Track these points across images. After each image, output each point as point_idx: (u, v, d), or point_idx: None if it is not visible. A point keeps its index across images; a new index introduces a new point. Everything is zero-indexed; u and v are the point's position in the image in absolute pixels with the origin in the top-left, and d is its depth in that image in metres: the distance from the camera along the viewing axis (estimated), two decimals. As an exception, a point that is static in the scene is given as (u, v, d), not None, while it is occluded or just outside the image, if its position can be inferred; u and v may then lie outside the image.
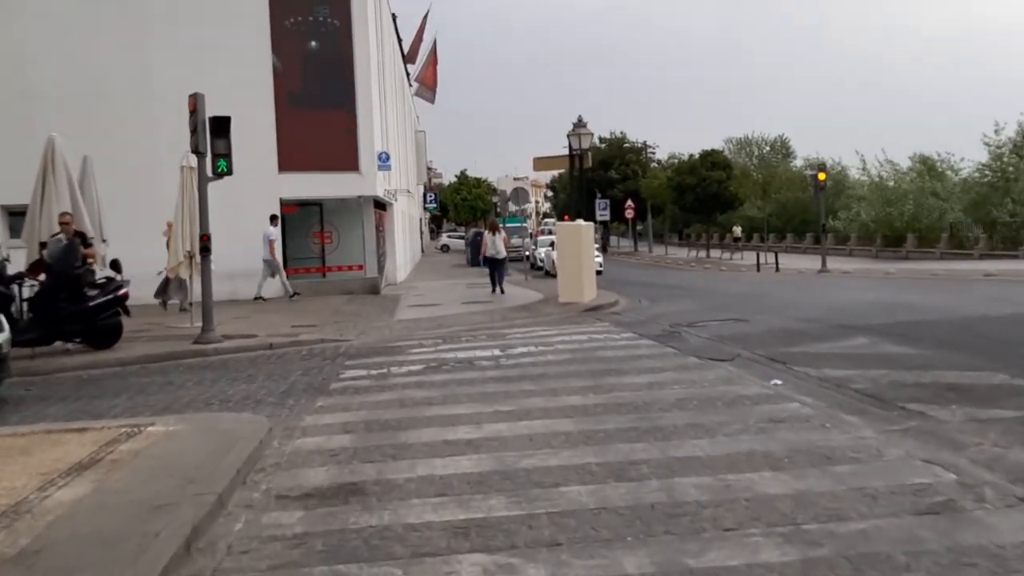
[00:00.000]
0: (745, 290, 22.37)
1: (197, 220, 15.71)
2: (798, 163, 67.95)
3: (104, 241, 17.04)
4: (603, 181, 61.27)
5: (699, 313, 15.90)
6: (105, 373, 11.47)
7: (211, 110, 22.29)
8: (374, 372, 10.34)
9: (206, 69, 22.10)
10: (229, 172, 13.48)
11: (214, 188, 22.54)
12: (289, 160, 22.95)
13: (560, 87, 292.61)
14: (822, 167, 29.96)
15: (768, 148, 72.66)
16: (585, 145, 20.34)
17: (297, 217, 24.86)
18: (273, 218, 22.09)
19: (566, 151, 24.26)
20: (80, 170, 16.63)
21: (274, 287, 21.94)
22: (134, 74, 21.88)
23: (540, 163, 22.03)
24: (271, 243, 21.57)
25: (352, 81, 23.76)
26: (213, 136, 13.35)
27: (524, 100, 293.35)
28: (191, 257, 15.78)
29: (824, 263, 30.30)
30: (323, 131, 23.56)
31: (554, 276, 34.79)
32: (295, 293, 21.82)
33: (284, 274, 22.15)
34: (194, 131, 13.30)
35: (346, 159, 23.60)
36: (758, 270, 33.79)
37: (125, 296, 13.09)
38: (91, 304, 12.51)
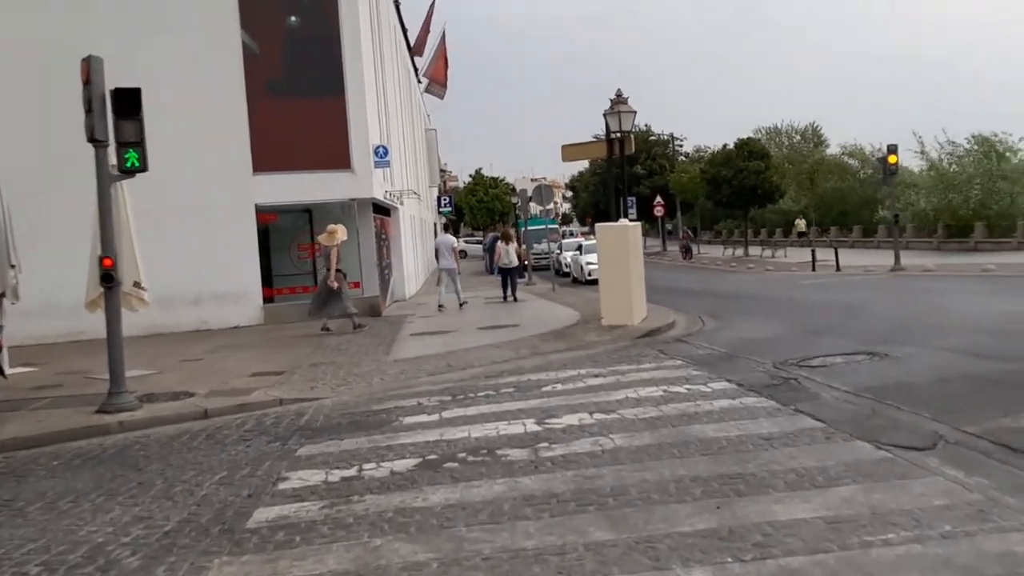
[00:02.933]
0: (828, 298, 18.17)
1: (123, 236, 11.85)
2: (831, 151, 63.69)
3: (13, 267, 13.22)
4: (628, 177, 57.18)
5: (797, 340, 11.82)
6: (-63, 474, 7.57)
7: (166, 99, 18.47)
8: (334, 477, 6.35)
9: (159, 51, 18.29)
10: (142, 167, 9.54)
11: (169, 196, 18.67)
12: (266, 158, 19.06)
13: (576, 84, 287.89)
14: (893, 149, 25.68)
15: (799, 137, 68.48)
16: (626, 126, 16.25)
17: (279, 226, 20.97)
18: (447, 227, 23.79)
19: (594, 138, 20.23)
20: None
21: (447, 295, 20.94)
22: (69, 62, 18.01)
23: (570, 151, 17.96)
24: (454, 250, 21.12)
25: (341, 63, 19.84)
26: (117, 116, 9.43)
27: (540, 98, 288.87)
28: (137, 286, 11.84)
29: (898, 259, 26.03)
30: (307, 123, 19.66)
31: (583, 283, 30.90)
32: (464, 302, 20.75)
33: (459, 284, 21.03)
34: (89, 110, 9.38)
35: (335, 156, 19.69)
36: (813, 269, 29.59)
37: (-8, 349, 9.20)
38: (-64, 365, 8.63)
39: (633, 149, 16.58)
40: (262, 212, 19.28)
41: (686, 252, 44.63)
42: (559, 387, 9.30)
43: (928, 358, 9.31)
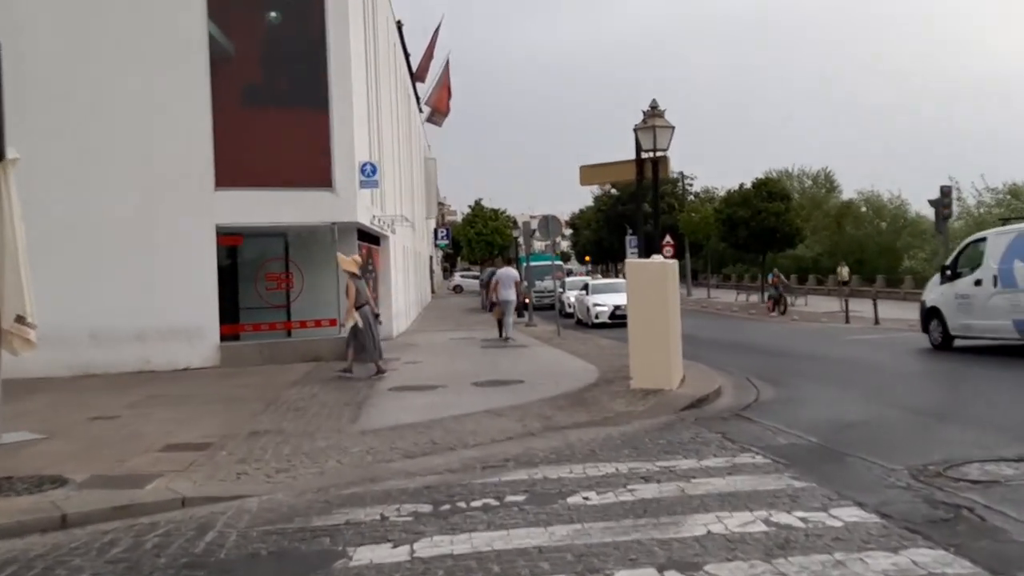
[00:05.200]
0: (904, 364, 15.06)
1: (6, 255, 8.96)
2: (844, 196, 61.13)
3: None
4: (634, 215, 54.46)
5: (910, 427, 8.80)
6: None
7: (108, 93, 15.65)
8: None
9: (101, 37, 15.56)
10: (-5, 153, 6.55)
11: (108, 209, 15.50)
12: (231, 172, 16.15)
13: (577, 120, 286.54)
14: (947, 191, 22.81)
15: (810, 182, 65.96)
16: (662, 144, 13.35)
17: (246, 251, 18.00)
18: (510, 260, 24.34)
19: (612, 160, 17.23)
20: None
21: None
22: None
23: (590, 173, 15.13)
24: (516, 283, 21.39)
25: (326, 68, 17.00)
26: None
27: (540, 134, 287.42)
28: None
29: (951, 316, 22.91)
30: (282, 134, 16.84)
31: (590, 327, 27.87)
32: (508, 337, 20.60)
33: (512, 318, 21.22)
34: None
35: (315, 172, 16.84)
36: (847, 321, 26.64)
37: None
38: None
39: (669, 174, 13.69)
40: (224, 234, 16.30)
41: (776, 304, 32.61)
42: (594, 498, 6.23)
43: None
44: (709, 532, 5.27)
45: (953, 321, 16.22)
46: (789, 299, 34.38)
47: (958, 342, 16.27)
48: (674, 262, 12.43)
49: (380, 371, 14.01)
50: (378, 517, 6.01)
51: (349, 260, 14.30)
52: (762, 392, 11.69)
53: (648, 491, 6.34)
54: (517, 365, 15.24)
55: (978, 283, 15.52)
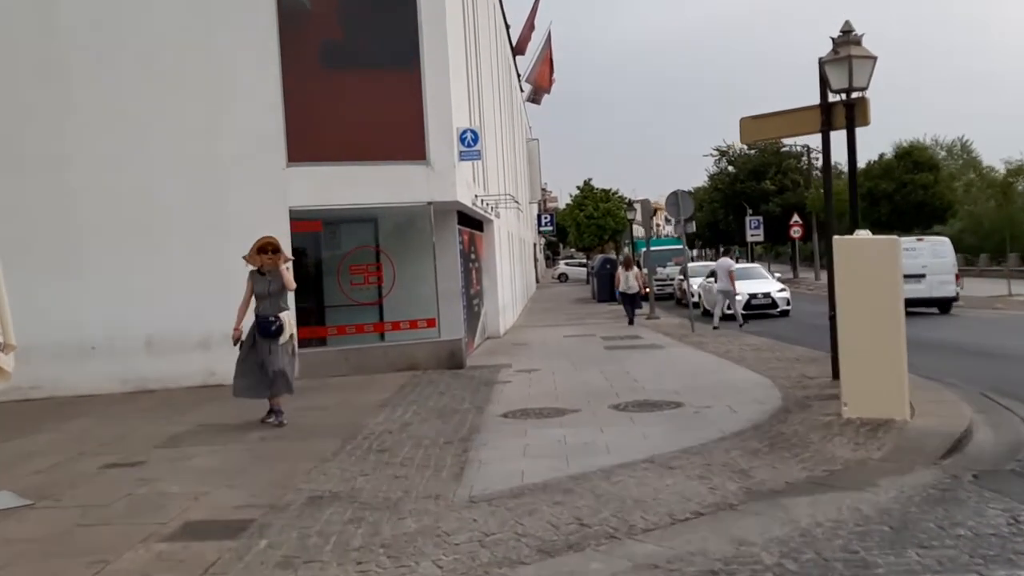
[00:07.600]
0: None
1: None
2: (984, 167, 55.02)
3: None
4: (755, 194, 50.20)
5: None
6: None
7: (162, 64, 13.17)
8: None
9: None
10: None
11: (162, 194, 12.77)
12: (305, 144, 13.48)
13: (677, 105, 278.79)
14: None
15: (944, 153, 59.89)
16: (860, 80, 9.88)
17: (327, 240, 15.31)
18: (727, 251, 24.86)
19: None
20: None
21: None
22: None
23: (753, 127, 11.62)
24: (731, 274, 21.14)
25: (416, 22, 14.11)
26: None
27: (639, 118, 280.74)
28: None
29: None
30: (365, 98, 14.07)
31: (721, 319, 24.36)
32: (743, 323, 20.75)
33: (737, 303, 21.41)
34: None
35: (405, 142, 14.05)
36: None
37: None
38: None
39: (869, 120, 10.18)
40: (300, 219, 13.60)
41: None
42: None
43: None
44: None
45: None
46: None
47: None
48: (895, 239, 8.92)
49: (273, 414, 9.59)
50: None
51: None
52: (1035, 423, 8.18)
53: None
54: (661, 376, 12.05)
55: None
